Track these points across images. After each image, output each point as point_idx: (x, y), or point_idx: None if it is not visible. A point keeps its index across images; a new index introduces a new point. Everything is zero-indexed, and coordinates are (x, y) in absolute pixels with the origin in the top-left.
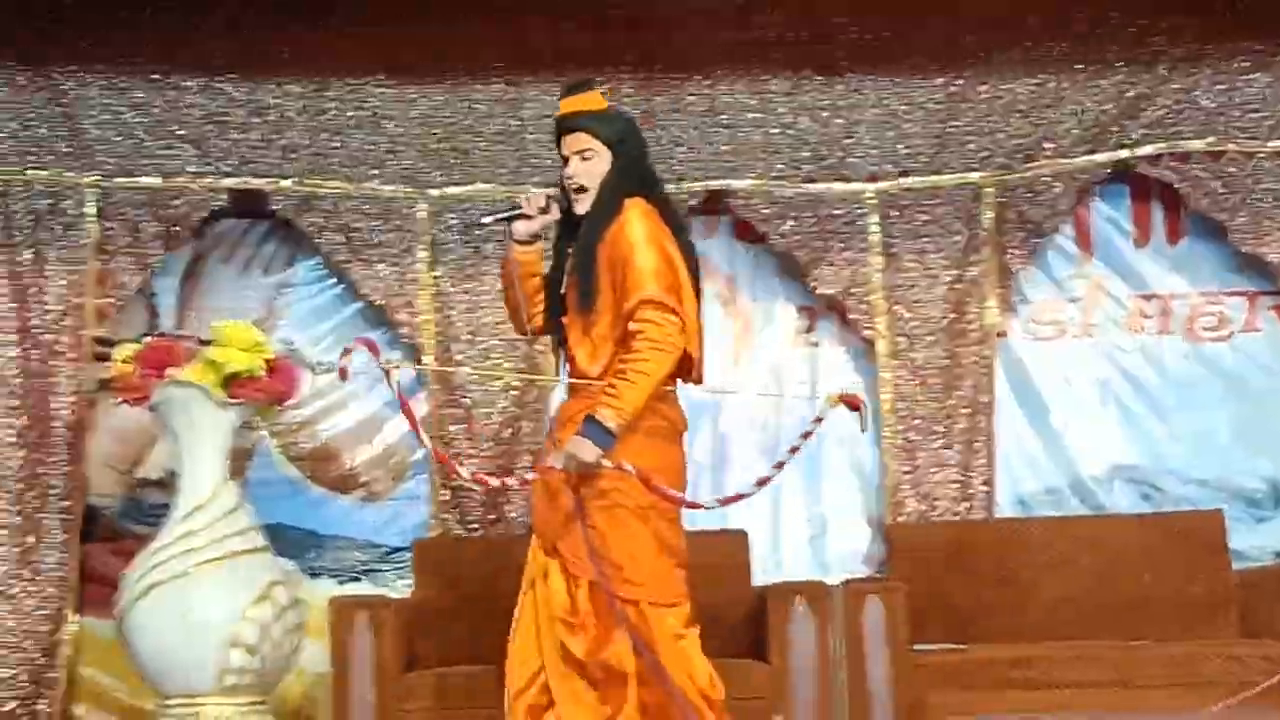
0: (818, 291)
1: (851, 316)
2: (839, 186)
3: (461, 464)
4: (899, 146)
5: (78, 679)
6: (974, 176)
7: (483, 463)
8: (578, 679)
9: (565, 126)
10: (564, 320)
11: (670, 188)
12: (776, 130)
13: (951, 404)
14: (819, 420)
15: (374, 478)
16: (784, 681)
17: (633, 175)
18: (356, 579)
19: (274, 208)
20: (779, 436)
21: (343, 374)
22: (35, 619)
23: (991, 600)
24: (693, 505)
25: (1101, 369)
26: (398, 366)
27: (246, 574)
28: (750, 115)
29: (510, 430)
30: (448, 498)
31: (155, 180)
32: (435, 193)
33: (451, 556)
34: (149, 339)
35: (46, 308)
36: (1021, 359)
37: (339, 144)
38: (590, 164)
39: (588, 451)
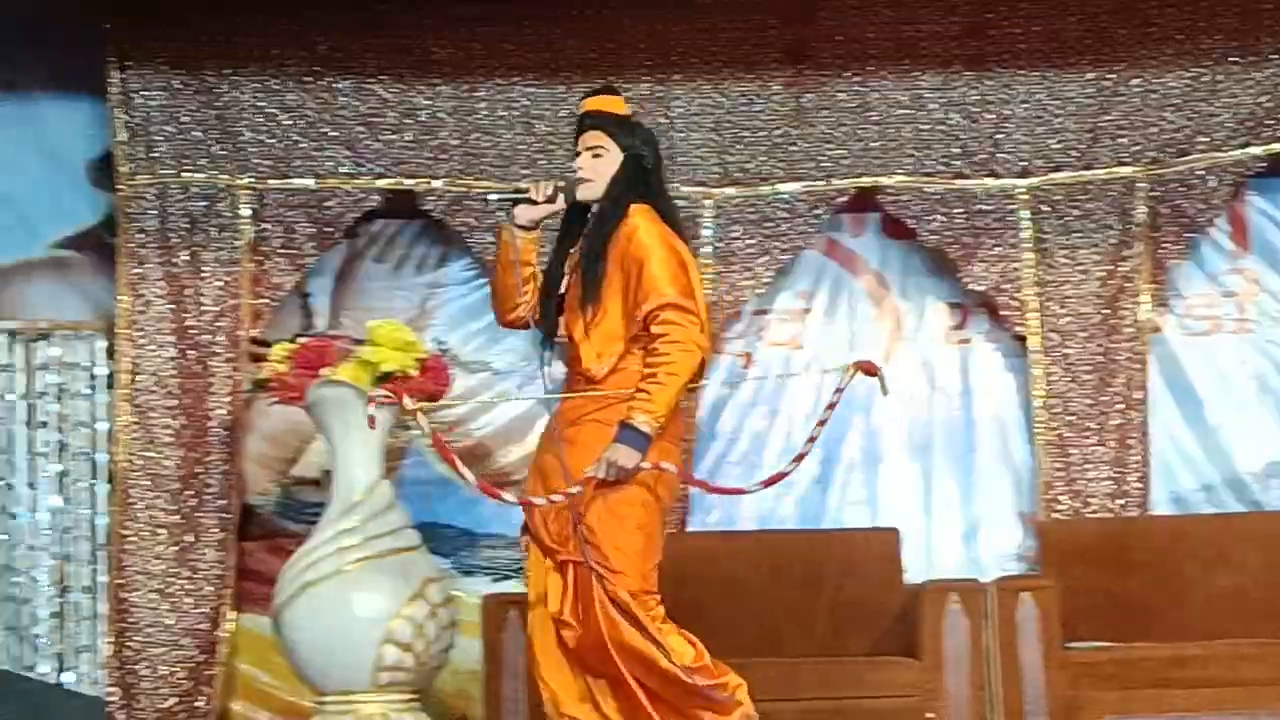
0: (969, 288)
1: (1003, 313)
2: (990, 182)
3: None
4: (1050, 141)
5: (235, 676)
6: (1126, 171)
7: None
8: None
9: (585, 124)
10: (561, 318)
11: (819, 185)
12: (927, 126)
13: (1105, 400)
14: (839, 391)
15: (526, 476)
16: (936, 679)
17: (641, 182)
18: (509, 577)
19: (426, 208)
20: (930, 432)
21: (371, 423)
22: (194, 617)
23: (1147, 598)
24: (735, 491)
25: (1258, 364)
26: (424, 410)
27: (401, 572)
28: (900, 111)
29: None
30: None
31: (309, 182)
32: None
33: None
34: (303, 339)
35: (203, 309)
36: (1176, 354)
37: (490, 144)
38: (600, 161)
39: (628, 457)
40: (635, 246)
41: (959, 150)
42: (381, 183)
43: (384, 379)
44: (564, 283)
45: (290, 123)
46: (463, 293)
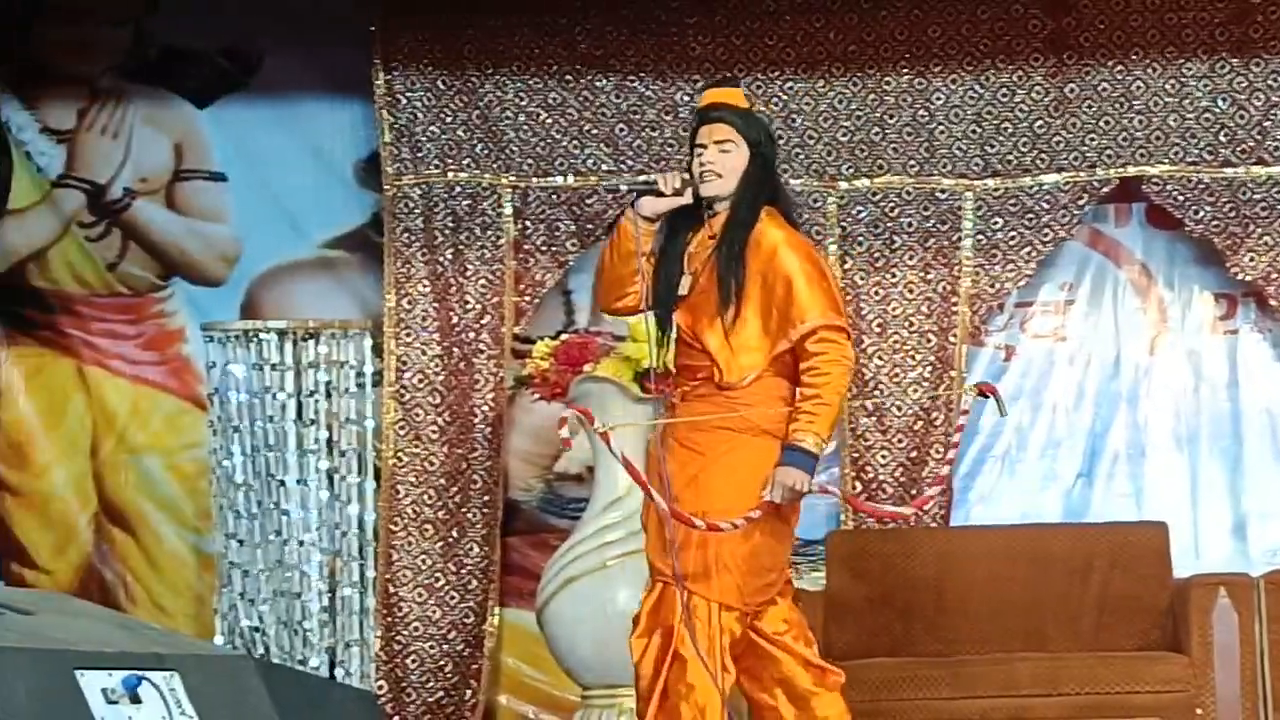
0: (1236, 278)
1: (1272, 302)
2: (1258, 170)
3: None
4: None
5: (500, 669)
6: None
7: (895, 455)
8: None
9: (710, 117)
10: (676, 317)
11: (1081, 176)
12: (1192, 114)
13: None
14: (965, 412)
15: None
16: (1205, 674)
17: (769, 180)
18: None
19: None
20: (1197, 424)
21: (566, 444)
22: (460, 611)
23: None
24: (893, 516)
25: None
26: (614, 428)
27: None
28: (1164, 99)
29: (921, 423)
30: (859, 490)
31: (570, 180)
32: (844, 185)
33: (864, 549)
34: (565, 336)
35: (467, 306)
36: None
37: None
38: (729, 156)
39: (800, 480)
40: (781, 262)
41: (1225, 138)
42: (642, 179)
43: (645, 375)
44: (685, 281)
45: (552, 121)
46: None
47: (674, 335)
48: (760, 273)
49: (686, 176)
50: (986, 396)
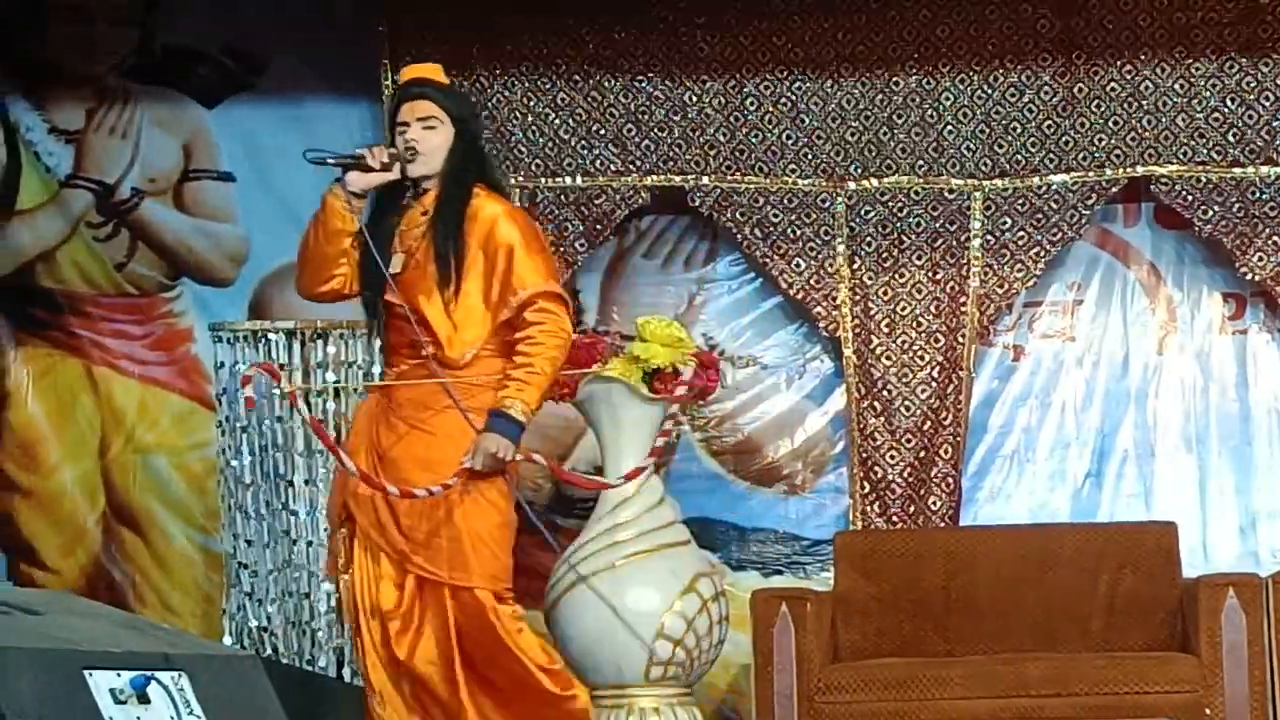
0: (1245, 277)
1: None
2: (1267, 170)
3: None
4: None
5: None
6: None
7: (903, 456)
8: (401, 681)
9: (412, 93)
10: (390, 295)
11: (1090, 176)
12: (1200, 114)
13: None
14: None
15: (795, 470)
16: (1214, 674)
17: (478, 157)
18: (779, 572)
19: (694, 204)
20: (1205, 424)
21: (249, 404)
22: None
23: None
24: (604, 486)
25: None
26: (300, 389)
27: (672, 567)
28: (1174, 99)
29: (930, 423)
30: (868, 490)
31: (578, 180)
32: (853, 185)
33: (873, 549)
34: (574, 336)
35: None
36: None
37: (758, 139)
38: (433, 133)
39: (504, 447)
40: (500, 233)
41: (1234, 138)
42: (650, 179)
43: (654, 375)
44: (398, 259)
45: (560, 121)
46: (731, 288)
47: (384, 315)
48: (480, 246)
49: (394, 151)
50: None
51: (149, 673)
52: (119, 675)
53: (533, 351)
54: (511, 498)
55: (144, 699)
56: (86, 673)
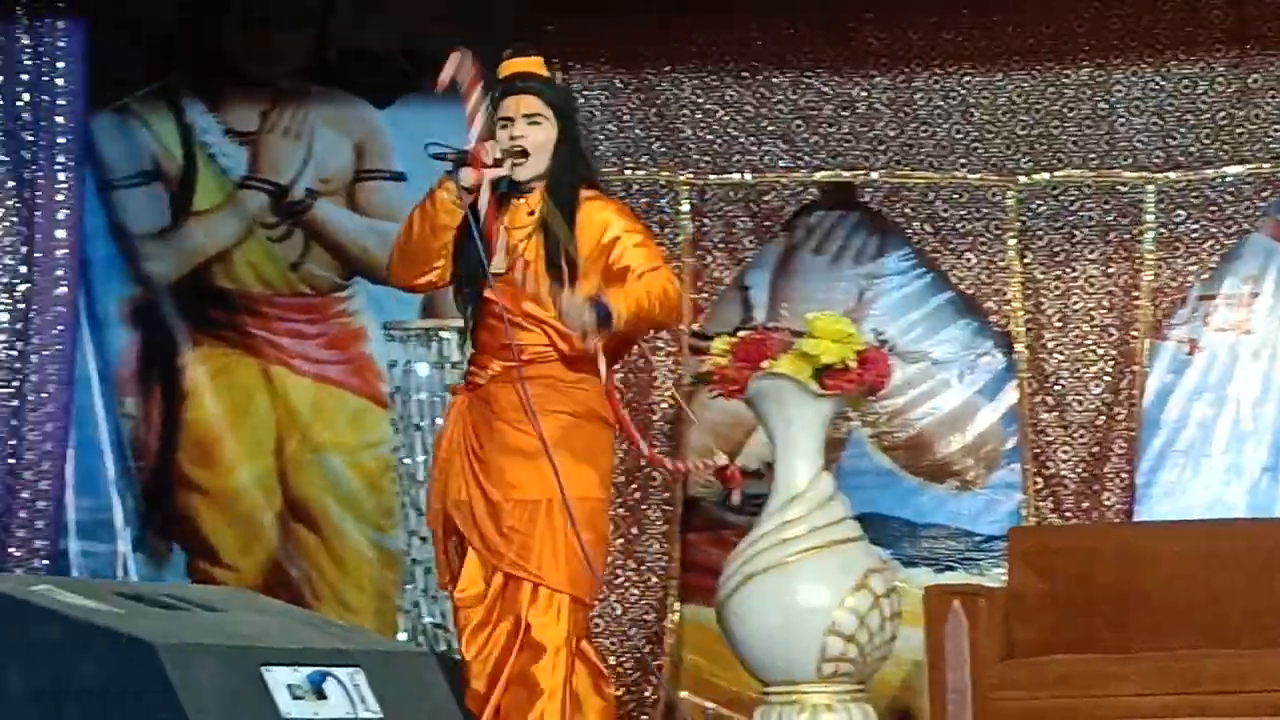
0: None
1: None
2: None
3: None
4: None
5: (681, 666)
6: None
7: (1076, 451)
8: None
9: (517, 88)
10: (492, 295)
11: (1265, 167)
12: None
13: None
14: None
15: (967, 466)
16: None
17: (582, 155)
18: (952, 568)
19: (863, 199)
20: None
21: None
22: (640, 608)
23: None
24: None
25: None
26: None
27: (844, 563)
28: None
29: (1103, 418)
30: (1041, 486)
31: (747, 176)
32: (1024, 179)
33: (1046, 545)
34: (743, 332)
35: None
36: None
37: (927, 134)
38: (539, 129)
39: (591, 320)
40: (612, 233)
41: None
42: (819, 175)
43: (823, 370)
44: (501, 260)
45: (728, 118)
46: (901, 283)
47: (479, 314)
48: (593, 249)
49: (506, 148)
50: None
51: (325, 668)
52: (296, 671)
53: (652, 290)
54: (608, 514)
55: (321, 694)
56: (264, 669)
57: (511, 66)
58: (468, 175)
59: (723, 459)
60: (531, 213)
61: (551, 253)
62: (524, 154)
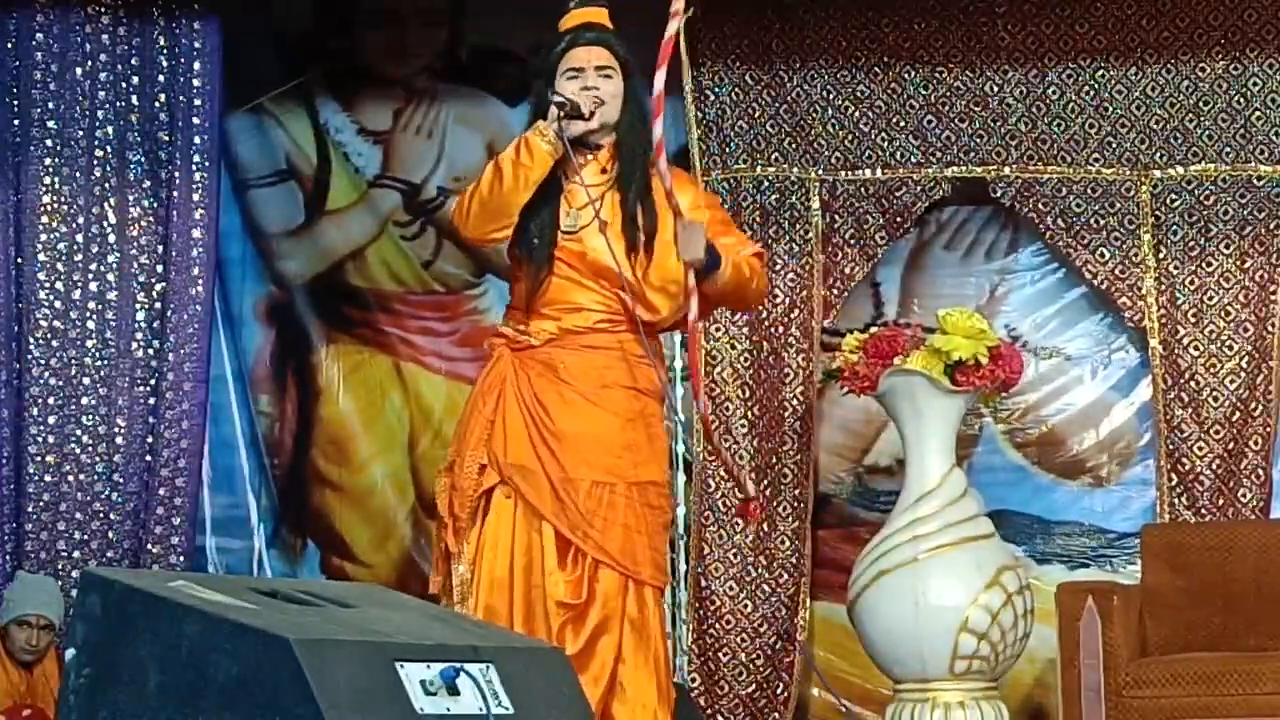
0: None
1: None
2: None
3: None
4: None
5: (813, 663)
6: None
7: (1211, 447)
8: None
9: (590, 39)
10: (561, 253)
11: None
12: None
13: None
14: None
15: (1100, 463)
16: None
17: (645, 111)
18: (1085, 565)
19: (995, 194)
20: None
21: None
22: (771, 605)
23: None
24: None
25: None
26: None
27: (976, 560)
28: None
29: (1239, 414)
30: (1175, 483)
31: (878, 172)
32: (1158, 174)
33: (1181, 542)
34: (874, 328)
35: (776, 300)
36: None
37: (1060, 128)
38: (611, 83)
39: (703, 248)
40: (697, 205)
41: None
42: (951, 171)
43: (955, 366)
44: (574, 214)
45: (859, 114)
46: (1033, 279)
47: (547, 270)
48: (665, 203)
49: (595, 99)
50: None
51: (458, 664)
52: (429, 667)
53: (754, 265)
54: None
55: (453, 690)
56: (398, 664)
57: (580, 16)
58: (571, 127)
59: (751, 489)
60: (604, 170)
61: (630, 209)
62: (599, 103)
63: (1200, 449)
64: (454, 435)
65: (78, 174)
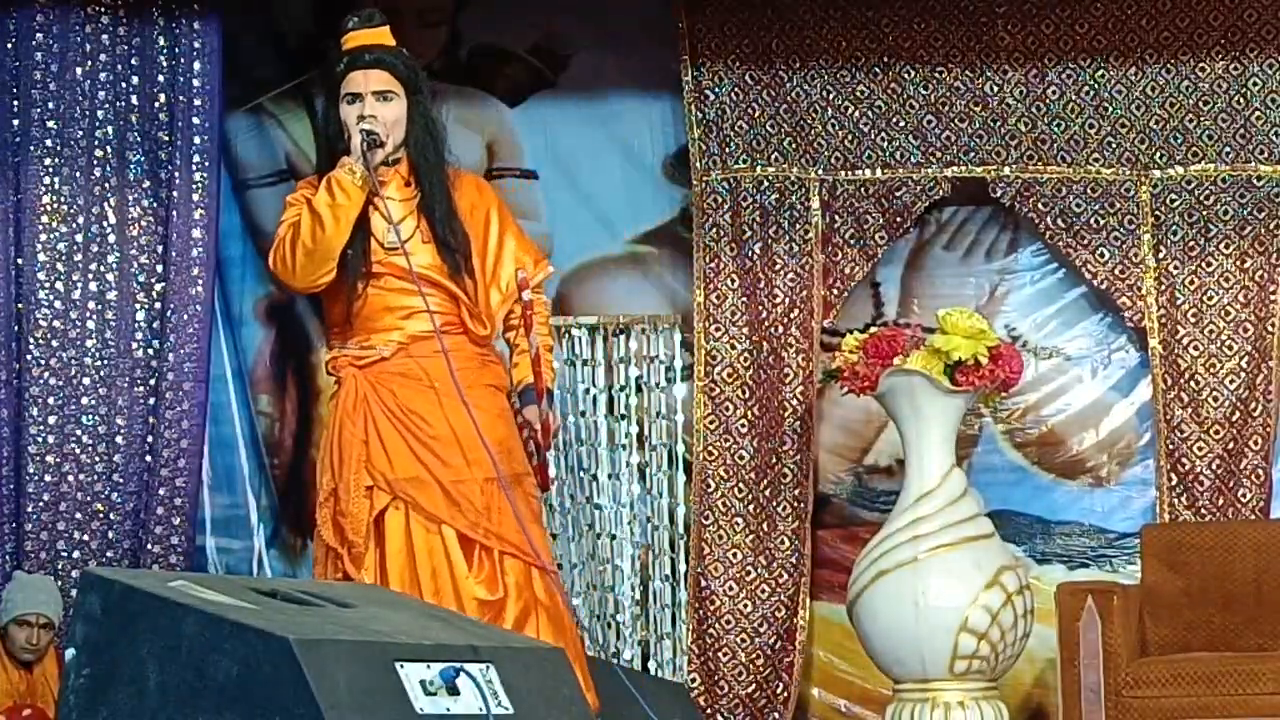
0: None
1: None
2: None
3: None
4: None
5: (812, 662)
6: None
7: (1211, 447)
8: None
9: (365, 61)
10: (381, 268)
11: None
12: None
13: None
14: None
15: (1100, 463)
16: None
17: (437, 129)
18: (1085, 565)
19: (995, 195)
20: None
21: None
22: (771, 604)
23: None
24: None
25: None
26: None
27: (975, 560)
28: None
29: (1239, 414)
30: (1175, 483)
31: (878, 173)
32: (1158, 173)
33: (1181, 542)
34: (874, 328)
35: (775, 300)
36: None
37: (1060, 128)
38: (390, 106)
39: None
40: (484, 207)
41: None
42: (951, 171)
43: (955, 367)
44: (387, 230)
45: (859, 114)
46: (1033, 278)
47: (363, 282)
48: (477, 225)
49: (364, 128)
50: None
51: (458, 664)
52: (429, 667)
53: (545, 334)
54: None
55: (453, 690)
56: (398, 664)
57: (357, 39)
58: (373, 158)
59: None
60: (408, 183)
61: (440, 234)
62: (373, 135)
63: (1200, 449)
64: (322, 465)
65: (78, 174)
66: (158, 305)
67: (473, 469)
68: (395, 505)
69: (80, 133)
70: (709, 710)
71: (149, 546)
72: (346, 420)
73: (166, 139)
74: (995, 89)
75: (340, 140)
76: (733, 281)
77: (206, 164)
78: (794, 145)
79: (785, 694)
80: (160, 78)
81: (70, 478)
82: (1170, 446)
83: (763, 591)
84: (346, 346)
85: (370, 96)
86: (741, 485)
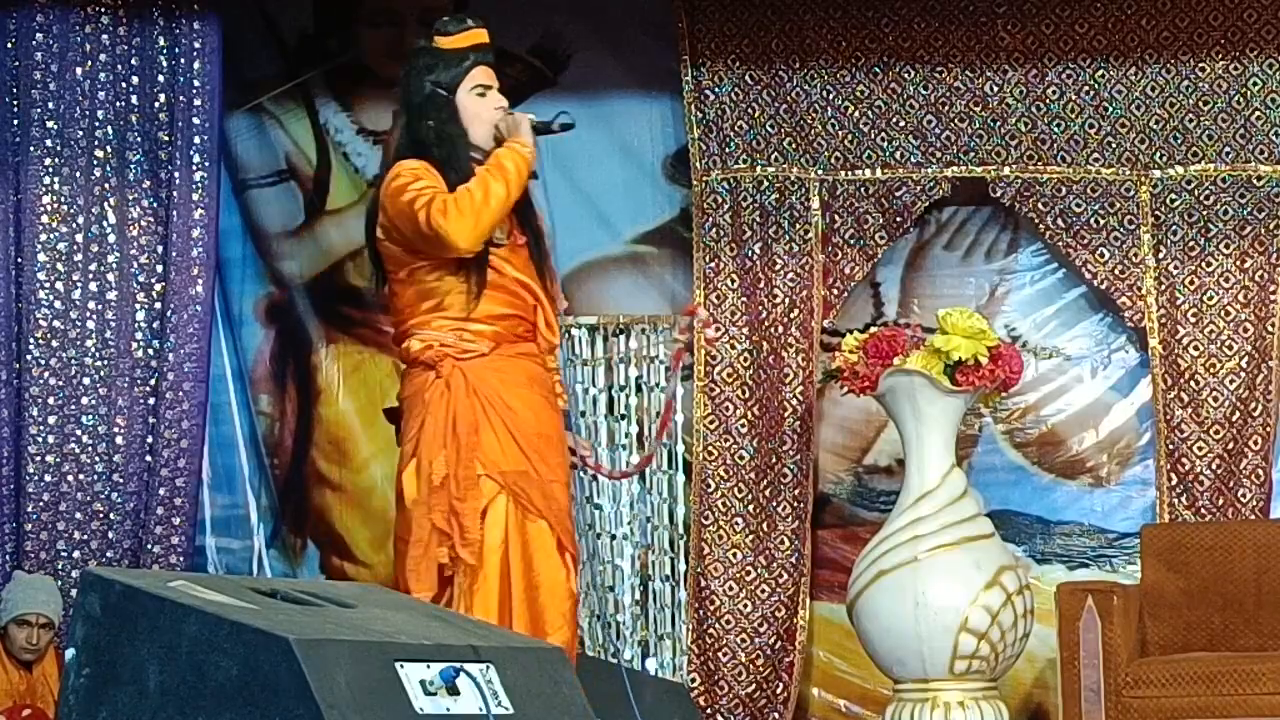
0: None
1: None
2: None
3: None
4: None
5: (812, 662)
6: None
7: (1211, 447)
8: None
9: (486, 58)
10: (497, 262)
11: None
12: None
13: None
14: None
15: (1100, 463)
16: None
17: None
18: (1085, 565)
19: (995, 195)
20: None
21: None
22: (770, 604)
23: None
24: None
25: None
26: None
27: (975, 560)
28: None
29: (1239, 414)
30: (1175, 483)
31: (878, 173)
32: (1158, 174)
33: (1181, 542)
34: (874, 328)
35: (775, 300)
36: None
37: (1060, 128)
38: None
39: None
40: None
41: None
42: (951, 171)
43: (955, 367)
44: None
45: (859, 114)
46: (1033, 278)
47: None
48: None
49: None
50: None
51: (458, 665)
52: (429, 667)
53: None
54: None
55: (453, 690)
56: (398, 665)
57: (478, 36)
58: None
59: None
60: None
61: (527, 232)
62: (550, 127)
63: (1200, 449)
64: (427, 449)
65: (78, 174)
66: (158, 305)
67: (556, 471)
68: (501, 496)
69: (80, 133)
70: (709, 710)
71: (149, 546)
72: (463, 410)
73: (166, 139)
74: (995, 89)
75: (447, 130)
76: (733, 281)
77: (206, 164)
78: (794, 145)
79: (785, 694)
80: (160, 78)
81: (70, 478)
82: (1170, 446)
83: (762, 591)
84: (448, 336)
85: (492, 92)
86: (741, 485)
